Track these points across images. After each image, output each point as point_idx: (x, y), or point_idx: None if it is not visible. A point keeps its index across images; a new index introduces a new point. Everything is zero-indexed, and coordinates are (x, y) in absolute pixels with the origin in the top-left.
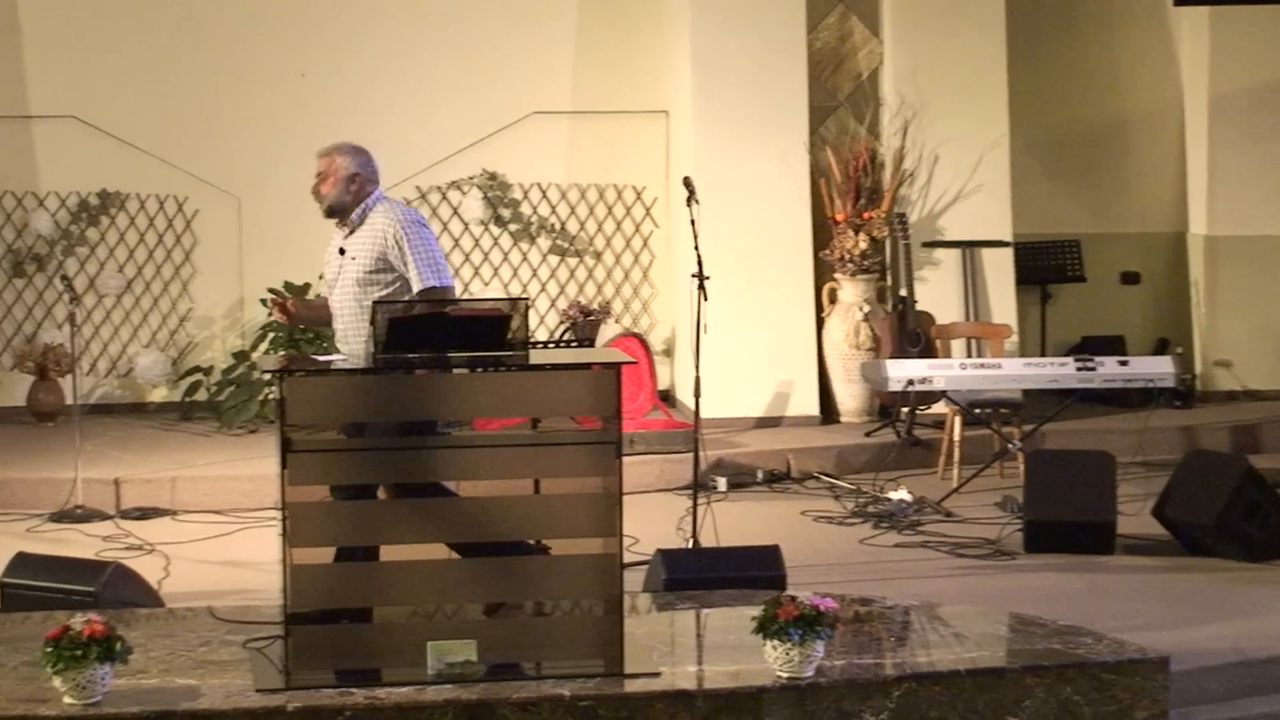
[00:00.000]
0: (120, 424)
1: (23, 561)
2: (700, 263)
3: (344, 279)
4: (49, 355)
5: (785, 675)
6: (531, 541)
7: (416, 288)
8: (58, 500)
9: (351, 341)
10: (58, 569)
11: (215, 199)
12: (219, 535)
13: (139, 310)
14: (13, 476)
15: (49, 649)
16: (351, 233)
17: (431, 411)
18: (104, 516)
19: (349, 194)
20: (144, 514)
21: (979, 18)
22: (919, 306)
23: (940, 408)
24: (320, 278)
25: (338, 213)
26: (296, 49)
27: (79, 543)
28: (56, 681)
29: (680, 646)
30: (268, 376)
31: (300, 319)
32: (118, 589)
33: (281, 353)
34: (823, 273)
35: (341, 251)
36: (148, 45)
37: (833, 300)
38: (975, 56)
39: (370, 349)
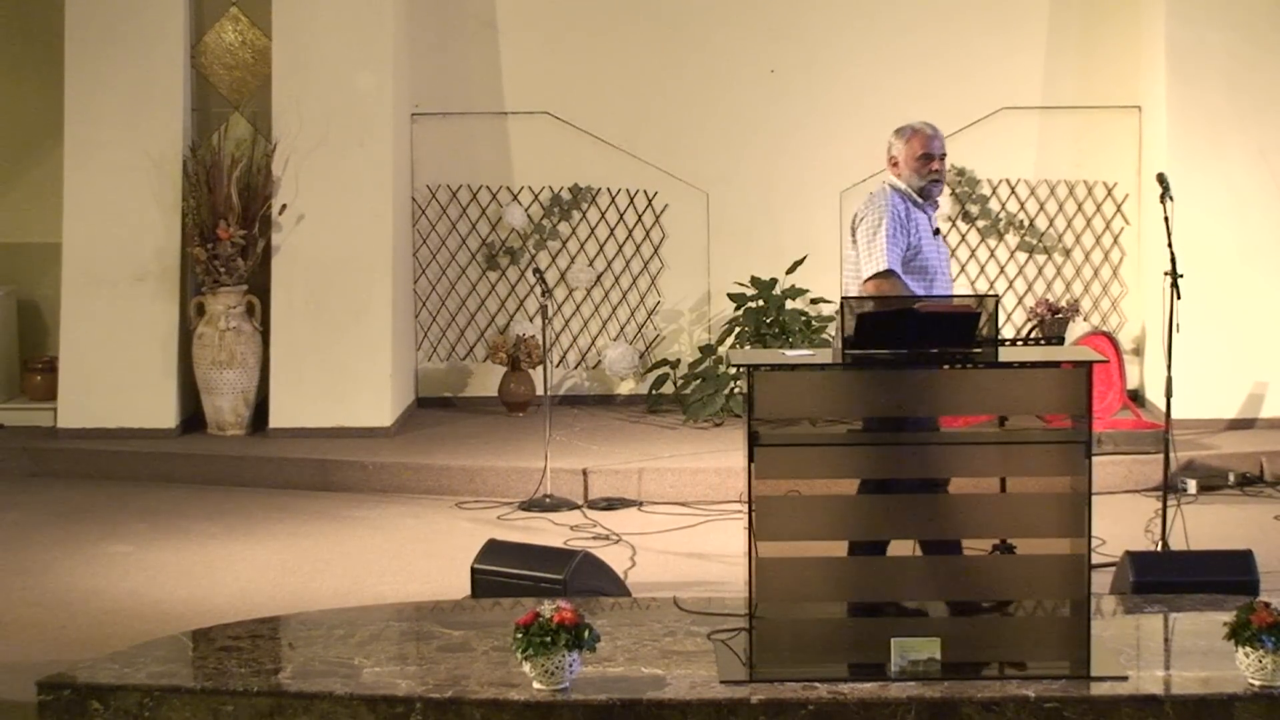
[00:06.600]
0: (588, 415)
1: (493, 548)
2: (1174, 260)
3: (942, 256)
4: (521, 347)
5: (1258, 683)
6: (998, 541)
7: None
8: (528, 489)
9: None
10: (527, 556)
11: (683, 193)
12: (684, 527)
13: (607, 303)
14: (485, 465)
15: (519, 634)
16: (928, 214)
17: (899, 408)
18: (572, 506)
19: None
20: (611, 504)
21: None
22: None
23: None
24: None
25: None
26: (767, 45)
27: (548, 531)
28: (526, 667)
29: (1148, 650)
30: (734, 370)
31: None
32: (585, 577)
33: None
34: None
35: (936, 232)
36: (618, 42)
37: None
38: None
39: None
